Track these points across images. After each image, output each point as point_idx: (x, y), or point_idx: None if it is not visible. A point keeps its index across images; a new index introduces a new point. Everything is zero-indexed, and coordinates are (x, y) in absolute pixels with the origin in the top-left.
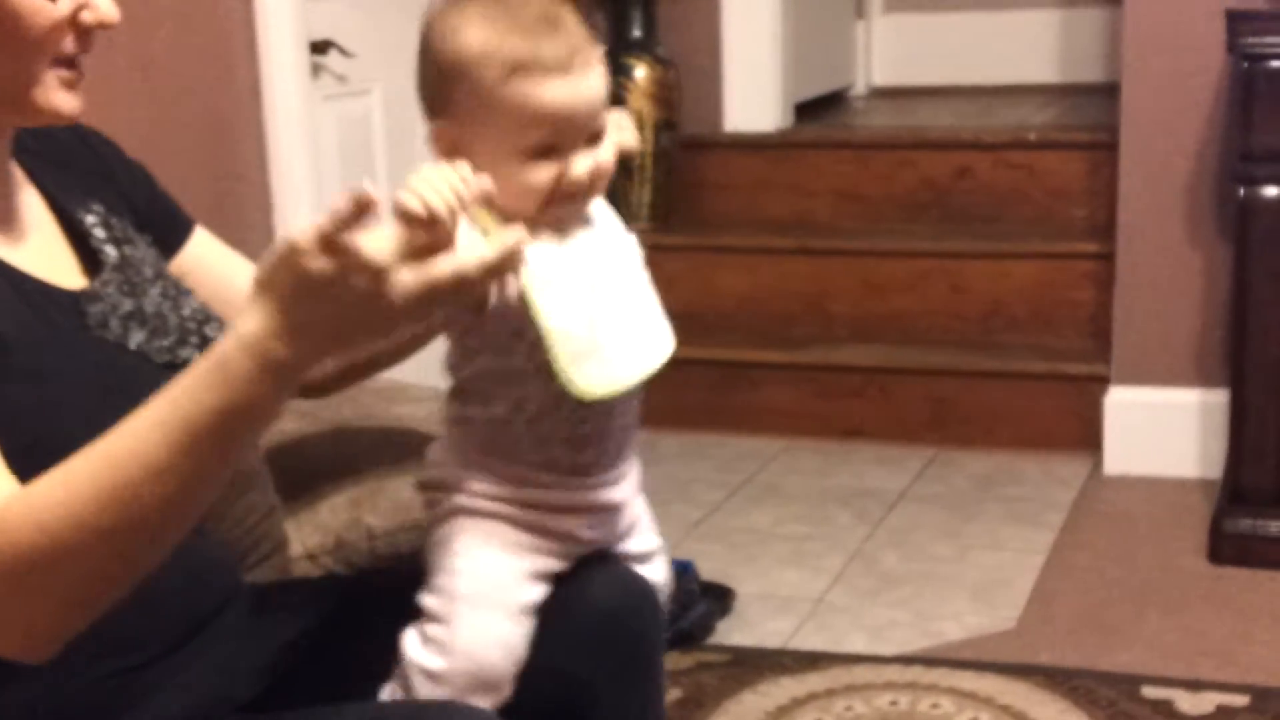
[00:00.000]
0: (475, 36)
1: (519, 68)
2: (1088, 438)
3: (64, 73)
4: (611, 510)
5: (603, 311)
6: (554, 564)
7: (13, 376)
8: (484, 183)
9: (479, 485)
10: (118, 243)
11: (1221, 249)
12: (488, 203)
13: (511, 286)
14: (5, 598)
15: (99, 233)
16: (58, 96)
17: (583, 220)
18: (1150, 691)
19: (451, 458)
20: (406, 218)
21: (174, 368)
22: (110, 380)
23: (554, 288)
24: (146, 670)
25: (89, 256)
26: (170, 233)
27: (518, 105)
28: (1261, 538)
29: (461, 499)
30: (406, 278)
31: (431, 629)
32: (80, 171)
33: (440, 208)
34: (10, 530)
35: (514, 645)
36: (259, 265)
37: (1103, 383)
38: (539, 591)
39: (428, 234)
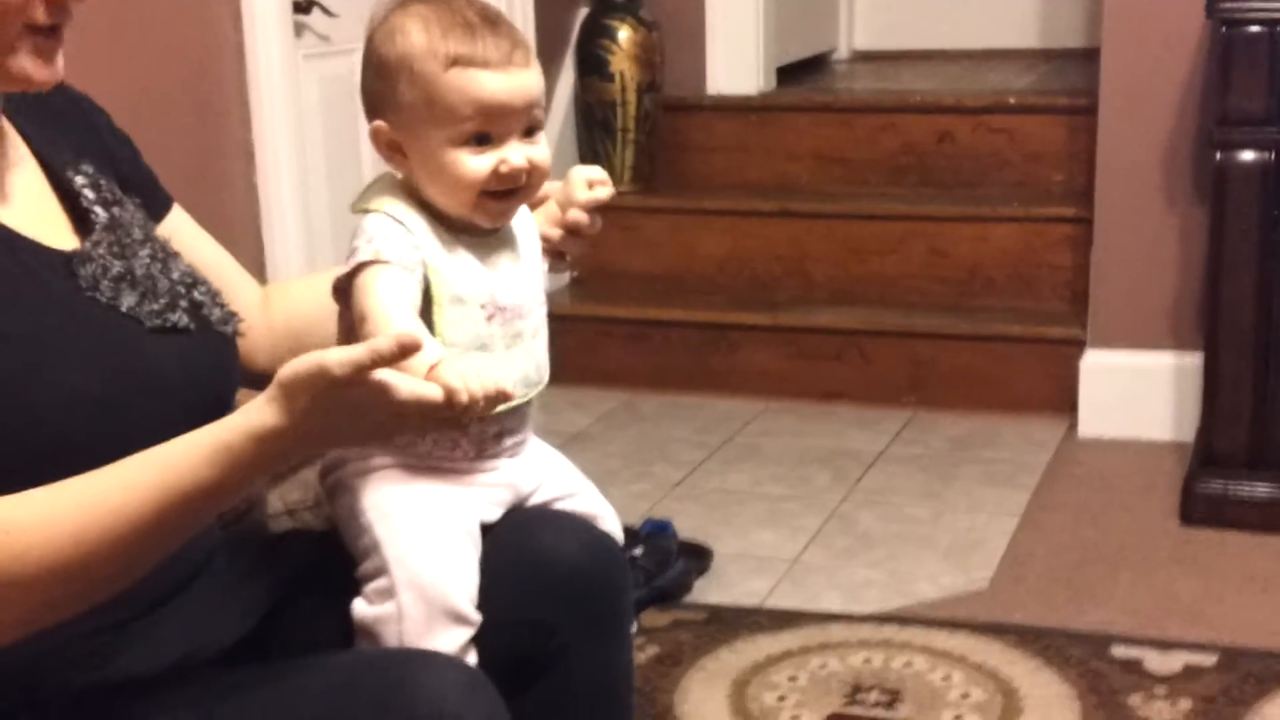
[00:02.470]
0: (418, 35)
1: (459, 60)
2: (1064, 400)
3: (38, 40)
4: (503, 463)
5: (497, 337)
6: (473, 492)
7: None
8: (506, 383)
9: (363, 453)
10: (107, 204)
11: (1198, 213)
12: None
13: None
14: None
15: (89, 193)
16: (30, 64)
17: (508, 243)
18: (1120, 651)
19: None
20: (448, 399)
21: (164, 331)
22: (102, 343)
23: (462, 306)
24: (127, 626)
25: (79, 216)
26: (150, 206)
27: (457, 93)
28: (1232, 500)
29: (350, 467)
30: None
31: (372, 586)
32: (71, 132)
33: (478, 397)
34: None
35: (455, 564)
36: (288, 369)
37: (1079, 346)
38: (469, 513)
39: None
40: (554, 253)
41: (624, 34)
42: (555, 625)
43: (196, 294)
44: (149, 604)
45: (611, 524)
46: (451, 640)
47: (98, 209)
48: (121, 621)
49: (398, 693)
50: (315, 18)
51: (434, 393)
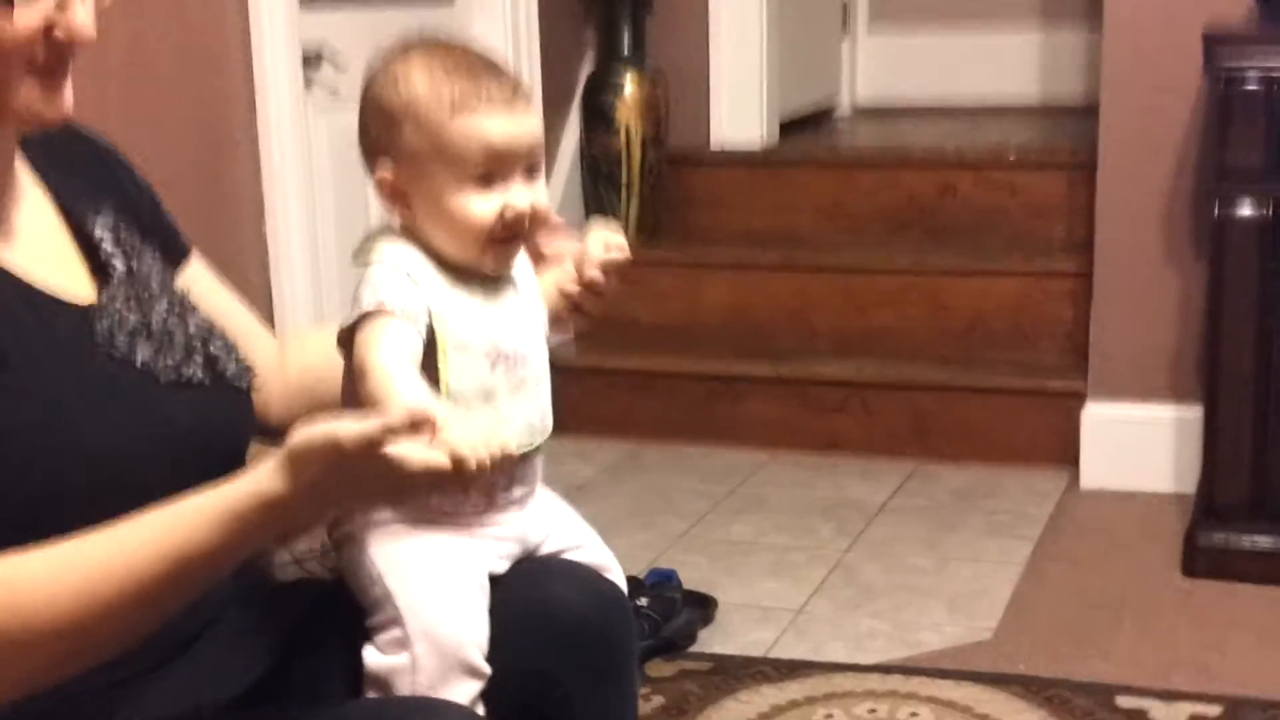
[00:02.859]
0: (421, 81)
1: (465, 104)
2: (1065, 452)
3: (43, 78)
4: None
5: (502, 384)
6: (481, 544)
7: (11, 394)
8: (512, 444)
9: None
10: (126, 255)
11: (1197, 267)
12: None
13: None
14: None
15: (108, 244)
16: (35, 103)
17: (512, 283)
18: (1125, 701)
19: None
20: (457, 465)
21: (178, 385)
22: (116, 397)
23: (466, 353)
24: (134, 680)
25: (98, 267)
26: (169, 256)
27: (463, 136)
28: (1234, 551)
29: (358, 519)
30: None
31: (383, 636)
32: (93, 182)
33: (486, 462)
34: None
35: (468, 615)
36: (296, 433)
37: (1080, 398)
38: (479, 564)
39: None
40: (569, 310)
41: (629, 87)
42: (560, 676)
43: (212, 348)
44: (158, 657)
45: (616, 576)
46: (464, 692)
47: (116, 260)
48: (130, 676)
49: None
50: (325, 71)
51: (443, 462)
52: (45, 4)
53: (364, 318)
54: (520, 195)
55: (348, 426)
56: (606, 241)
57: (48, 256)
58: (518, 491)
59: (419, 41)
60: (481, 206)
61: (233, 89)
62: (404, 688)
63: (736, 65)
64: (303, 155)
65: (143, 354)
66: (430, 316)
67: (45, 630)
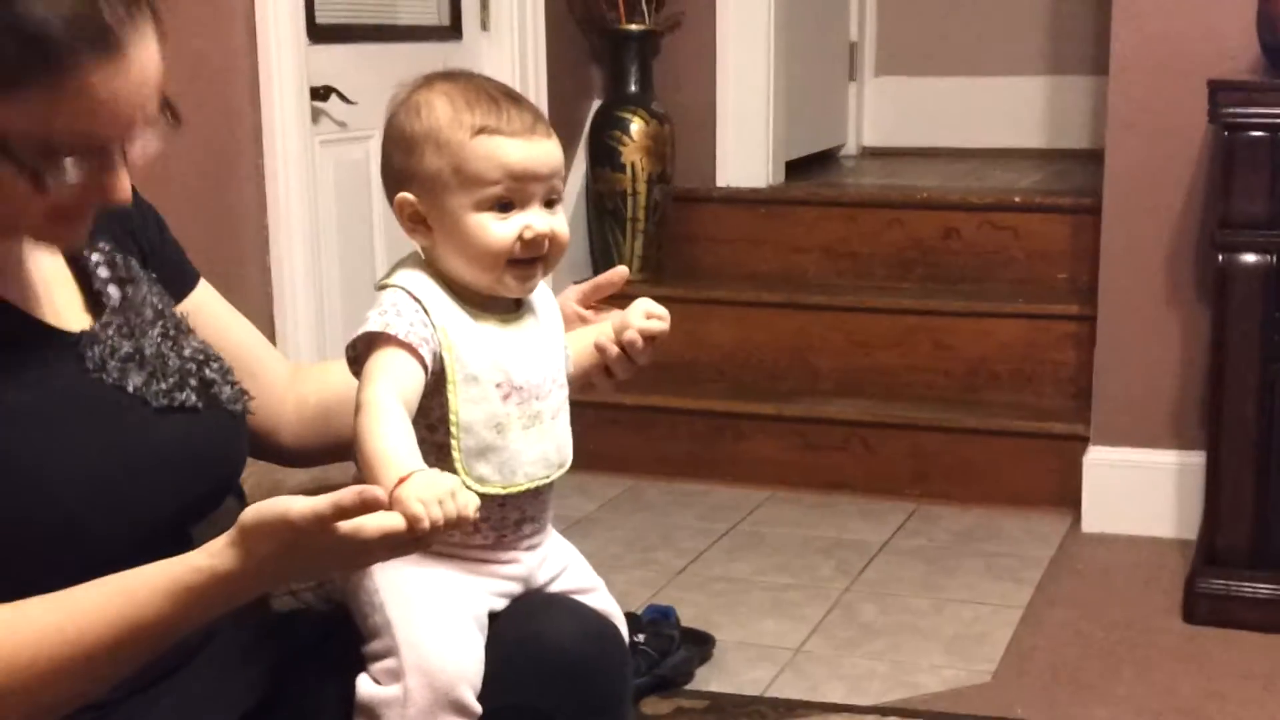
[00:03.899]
0: (443, 108)
1: (485, 128)
2: (1067, 496)
3: (66, 219)
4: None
5: (514, 417)
6: (484, 582)
7: (3, 418)
8: (471, 506)
9: None
10: (121, 282)
11: (1200, 313)
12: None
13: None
14: None
15: (103, 272)
16: (46, 238)
17: (532, 315)
18: None
19: None
20: (411, 528)
21: (170, 410)
22: (106, 423)
23: (476, 384)
24: (123, 703)
25: (93, 294)
26: (176, 281)
27: (484, 158)
28: (1235, 598)
29: None
30: (379, 549)
31: (378, 666)
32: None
33: (440, 523)
34: None
35: (464, 653)
36: (251, 512)
37: (1082, 442)
38: (478, 602)
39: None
40: (599, 370)
41: (636, 126)
42: (551, 713)
43: (207, 372)
44: (148, 680)
45: (620, 624)
46: None
47: (111, 288)
48: (124, 696)
49: None
50: (333, 104)
51: (397, 524)
52: (84, 173)
53: (370, 342)
54: (539, 219)
55: (299, 502)
56: (649, 310)
57: (44, 287)
58: (528, 528)
59: (441, 73)
60: (500, 228)
61: (240, 122)
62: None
63: (743, 106)
64: (308, 187)
65: (134, 380)
66: (441, 345)
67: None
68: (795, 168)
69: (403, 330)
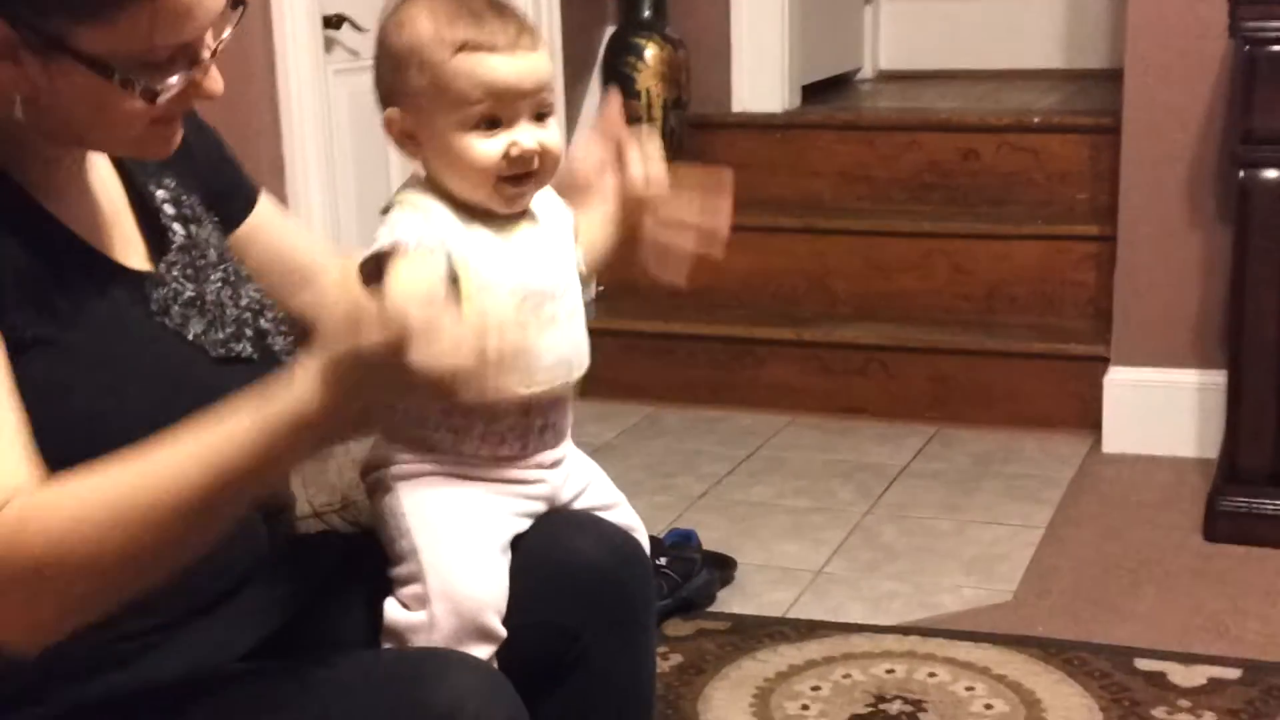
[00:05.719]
0: (425, 23)
1: (467, 44)
2: (1087, 417)
3: (160, 127)
4: (546, 469)
5: (529, 322)
6: (510, 504)
7: (69, 356)
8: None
9: (407, 456)
10: (185, 221)
11: (1221, 232)
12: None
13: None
14: (14, 596)
15: (169, 208)
16: (148, 147)
17: (529, 216)
18: (1144, 664)
19: (382, 439)
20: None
21: (228, 361)
22: (165, 369)
23: (490, 292)
24: (162, 631)
25: (157, 233)
26: (239, 200)
27: (465, 76)
28: (1256, 516)
29: (394, 469)
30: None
31: (405, 591)
32: None
33: (504, 362)
34: (31, 533)
35: (492, 579)
36: (329, 341)
37: (1103, 363)
38: (504, 526)
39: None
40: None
41: (650, 52)
42: (577, 629)
43: (263, 321)
44: (183, 614)
45: (642, 538)
46: (477, 655)
47: (176, 225)
48: (150, 629)
49: (418, 691)
50: (345, 33)
51: (466, 356)
52: (182, 77)
53: (381, 261)
54: (526, 135)
55: (367, 333)
56: (650, 148)
57: (110, 223)
58: (550, 435)
59: None
60: (485, 146)
61: (252, 52)
62: (419, 644)
63: (758, 30)
64: (322, 117)
65: (195, 328)
66: (450, 256)
67: (94, 550)
68: (811, 92)
69: (413, 240)
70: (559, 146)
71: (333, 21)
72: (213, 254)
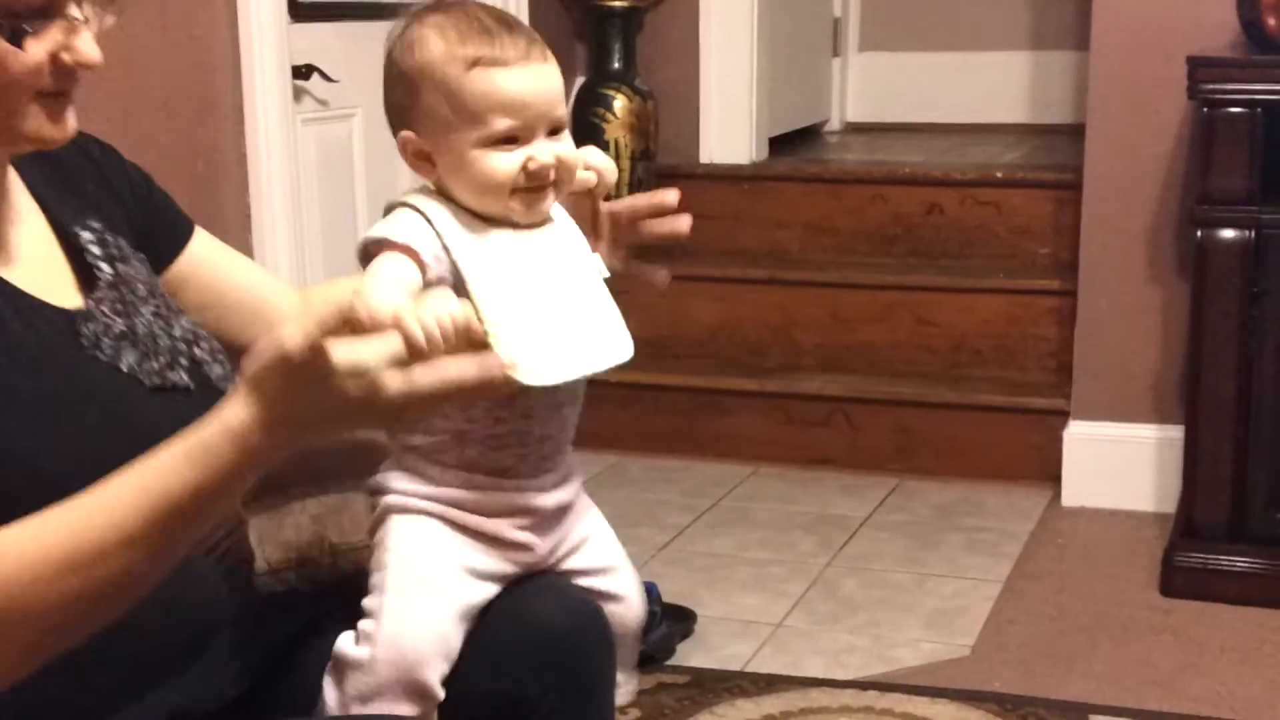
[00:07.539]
0: (436, 43)
1: (480, 61)
2: (1047, 470)
3: (48, 102)
4: (542, 516)
5: (544, 304)
6: (490, 565)
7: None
8: (471, 317)
9: (406, 484)
10: (113, 260)
11: (1180, 289)
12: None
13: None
14: None
15: (95, 249)
16: (42, 126)
17: (545, 219)
18: None
19: (389, 461)
20: (406, 340)
21: (163, 390)
22: (102, 403)
23: (494, 285)
24: (127, 690)
25: (84, 272)
26: (171, 237)
27: (480, 95)
28: (1211, 571)
29: (393, 498)
30: (393, 384)
31: (363, 624)
32: (81, 186)
33: (435, 338)
34: None
35: (440, 639)
36: (250, 360)
37: (1063, 417)
38: (473, 591)
39: (414, 353)
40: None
41: (619, 103)
42: (535, 697)
43: (198, 351)
44: (156, 671)
45: (632, 608)
46: (408, 711)
47: (103, 264)
48: (126, 684)
49: None
50: (314, 83)
51: (394, 342)
52: (54, 34)
53: (369, 251)
54: (543, 149)
55: (289, 333)
56: (594, 154)
57: (36, 264)
58: (548, 446)
59: (434, 3)
60: (504, 161)
61: (221, 100)
62: (353, 683)
63: (726, 82)
64: (290, 166)
65: (128, 359)
66: (453, 257)
67: (40, 593)
68: (779, 144)
69: (400, 235)
70: (575, 159)
71: (302, 71)
72: (141, 289)
